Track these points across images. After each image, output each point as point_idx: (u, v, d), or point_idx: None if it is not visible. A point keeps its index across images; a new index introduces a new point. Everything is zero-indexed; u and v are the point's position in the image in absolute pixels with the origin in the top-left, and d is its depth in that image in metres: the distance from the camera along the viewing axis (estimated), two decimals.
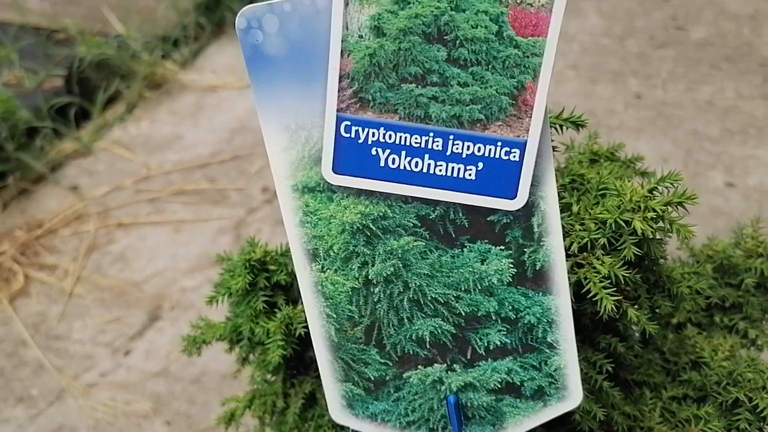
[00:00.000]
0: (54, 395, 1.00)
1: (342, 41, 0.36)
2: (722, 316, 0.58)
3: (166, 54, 1.74)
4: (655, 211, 0.39)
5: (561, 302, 0.39)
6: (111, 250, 1.23)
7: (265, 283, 0.50)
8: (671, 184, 0.41)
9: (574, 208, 0.43)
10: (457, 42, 0.35)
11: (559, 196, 0.44)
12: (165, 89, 1.68)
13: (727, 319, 0.58)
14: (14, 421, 0.97)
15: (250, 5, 0.35)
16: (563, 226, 0.42)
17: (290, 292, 0.51)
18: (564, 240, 0.42)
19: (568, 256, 0.41)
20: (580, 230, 0.41)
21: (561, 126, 0.44)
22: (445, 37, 0.35)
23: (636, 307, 0.43)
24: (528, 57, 0.35)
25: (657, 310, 0.47)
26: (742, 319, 0.58)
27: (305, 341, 0.50)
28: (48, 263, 1.20)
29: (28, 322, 1.10)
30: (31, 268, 1.19)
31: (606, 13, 2.04)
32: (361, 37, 0.36)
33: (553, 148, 0.45)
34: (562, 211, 0.43)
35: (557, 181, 0.45)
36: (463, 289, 0.40)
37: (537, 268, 0.39)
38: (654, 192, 0.41)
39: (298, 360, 0.53)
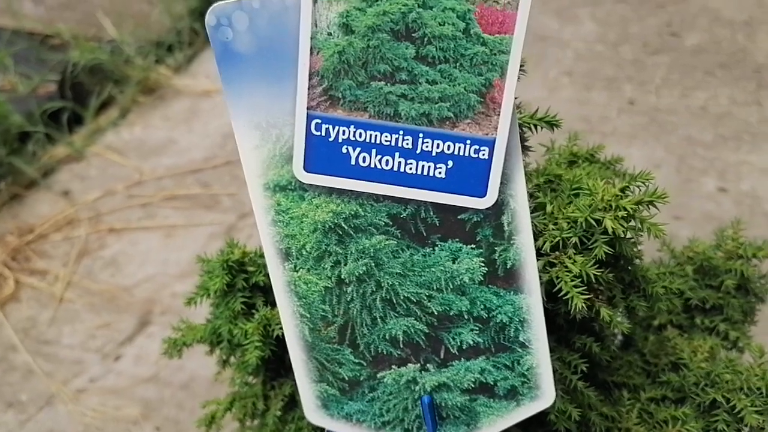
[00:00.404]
0: (43, 400, 1.00)
1: (311, 38, 0.36)
2: (703, 317, 0.58)
3: (160, 59, 1.74)
4: (626, 209, 0.39)
5: (532, 301, 0.39)
6: (102, 255, 1.23)
7: (243, 284, 0.50)
8: (643, 183, 0.41)
9: (548, 208, 0.43)
10: (425, 39, 0.35)
11: (533, 195, 0.44)
12: (159, 94, 1.68)
13: (708, 320, 0.58)
14: (4, 426, 0.97)
15: (220, 2, 0.36)
16: (536, 226, 0.42)
17: (269, 294, 0.51)
18: (537, 239, 0.42)
19: (540, 255, 0.41)
20: (552, 229, 0.41)
21: (535, 126, 0.44)
22: (413, 35, 0.35)
23: (610, 307, 0.43)
24: (495, 54, 0.35)
25: (634, 311, 0.47)
26: (723, 321, 0.57)
27: (285, 343, 0.49)
28: (39, 268, 1.20)
29: (18, 327, 1.10)
30: (21, 273, 1.19)
31: (600, 19, 2.05)
32: (330, 34, 0.36)
33: (528, 148, 0.45)
34: (535, 211, 0.43)
35: (532, 181, 0.45)
36: (435, 288, 0.40)
37: (508, 267, 0.39)
38: (626, 191, 0.41)
39: (278, 362, 0.53)
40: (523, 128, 0.44)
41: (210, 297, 0.50)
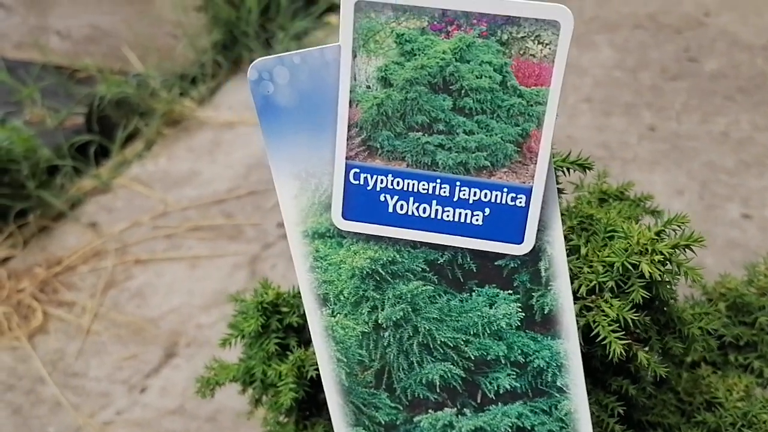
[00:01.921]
0: None
1: (350, 92, 0.37)
2: (737, 354, 0.57)
3: (184, 91, 1.77)
4: (662, 254, 0.40)
5: (570, 346, 0.39)
6: (128, 286, 1.25)
7: (277, 325, 0.50)
8: (678, 226, 0.41)
9: (583, 251, 0.43)
10: (463, 92, 0.36)
11: (567, 238, 0.45)
12: (183, 126, 1.71)
13: (742, 358, 0.57)
14: None
15: (261, 58, 0.37)
16: (571, 269, 0.42)
17: (302, 334, 0.52)
18: (572, 283, 0.42)
19: (576, 298, 0.42)
20: (588, 273, 0.42)
21: (568, 169, 0.44)
22: (450, 87, 0.36)
23: (646, 349, 0.43)
24: (532, 106, 0.36)
25: (669, 351, 0.47)
26: (757, 358, 0.57)
27: (318, 383, 0.50)
28: (66, 300, 1.22)
29: (46, 359, 1.11)
30: (49, 305, 1.21)
31: (618, 45, 2.06)
32: (369, 87, 0.37)
33: (561, 191, 0.45)
34: (570, 254, 0.44)
35: (565, 223, 0.45)
36: (472, 333, 0.40)
37: (545, 313, 0.39)
38: (661, 234, 0.41)
39: (311, 401, 0.53)
40: (556, 172, 0.44)
41: (244, 338, 0.51)
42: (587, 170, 0.45)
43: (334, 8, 2.22)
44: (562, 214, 0.49)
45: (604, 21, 2.22)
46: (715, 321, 0.47)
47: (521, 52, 0.35)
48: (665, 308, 0.45)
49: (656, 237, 0.41)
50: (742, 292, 0.57)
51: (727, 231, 1.34)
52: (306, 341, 0.53)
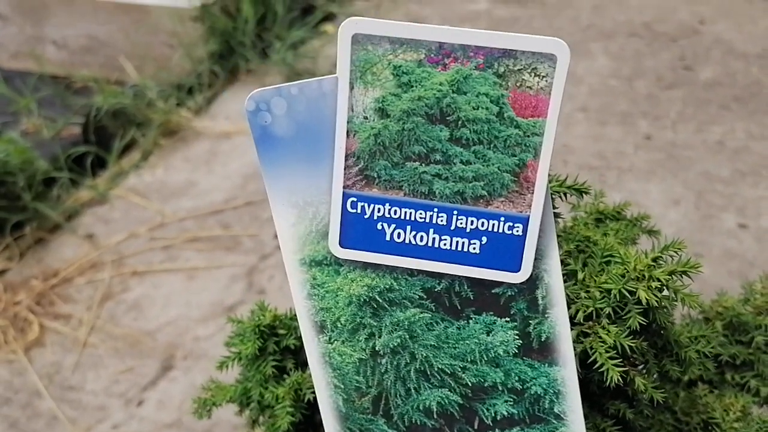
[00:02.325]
0: None
1: (348, 122, 0.37)
2: (733, 373, 0.58)
3: (180, 102, 1.77)
4: (659, 280, 0.40)
5: (567, 373, 0.39)
6: (125, 298, 1.25)
7: (274, 347, 0.50)
8: (675, 252, 0.41)
9: (579, 276, 0.43)
10: (459, 122, 0.36)
11: (564, 263, 0.45)
12: (180, 136, 1.71)
13: (739, 377, 0.57)
14: None
15: (259, 89, 0.37)
16: (568, 295, 0.43)
17: (299, 356, 0.52)
18: (570, 308, 0.43)
19: (573, 324, 0.42)
20: (585, 298, 0.42)
21: (564, 193, 0.45)
22: (447, 118, 0.36)
23: (644, 372, 0.43)
24: (528, 136, 0.36)
25: (667, 374, 0.47)
26: (754, 377, 0.57)
27: (315, 405, 0.50)
28: (63, 312, 1.22)
29: (43, 372, 1.11)
30: (46, 317, 1.21)
31: (614, 54, 2.06)
32: (366, 118, 0.37)
33: (558, 215, 0.45)
34: (567, 279, 0.44)
35: (562, 248, 0.45)
36: (469, 360, 0.40)
37: (542, 340, 0.39)
38: (658, 260, 0.41)
39: (308, 423, 0.53)
40: (552, 196, 0.44)
41: (241, 360, 0.51)
42: (584, 194, 0.45)
43: (330, 17, 2.23)
44: (558, 237, 0.49)
45: (600, 29, 2.23)
46: (712, 343, 0.47)
47: (518, 84, 0.35)
48: (662, 332, 0.45)
49: (653, 263, 0.41)
50: (739, 312, 0.57)
51: (723, 241, 1.35)
52: (303, 363, 0.53)
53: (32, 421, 1.04)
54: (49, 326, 1.19)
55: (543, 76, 0.34)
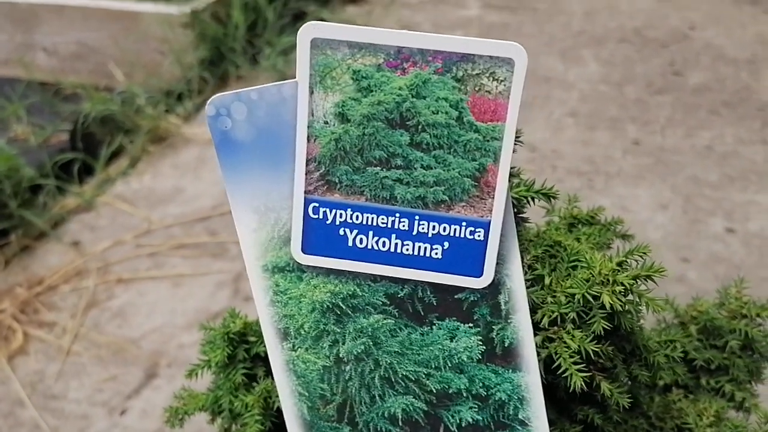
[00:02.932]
0: None
1: (308, 127, 0.37)
2: (708, 378, 0.57)
3: (169, 108, 1.77)
4: (623, 285, 0.40)
5: (531, 379, 0.39)
6: (110, 306, 1.24)
7: (244, 355, 0.50)
8: (641, 255, 0.41)
9: (546, 280, 0.43)
10: (419, 127, 0.36)
11: (532, 267, 0.45)
12: (168, 143, 1.70)
13: (714, 381, 0.57)
14: None
15: (218, 94, 0.37)
16: (535, 300, 0.42)
17: (269, 363, 0.51)
18: (535, 313, 0.42)
19: (539, 329, 0.41)
20: (551, 303, 0.41)
21: (532, 198, 0.44)
22: (407, 123, 0.36)
23: (610, 379, 0.42)
24: (488, 141, 0.36)
25: (636, 378, 0.47)
26: (729, 381, 0.57)
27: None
28: (47, 320, 1.21)
29: (26, 381, 1.10)
30: (30, 325, 1.20)
31: (604, 60, 2.07)
32: (326, 122, 0.37)
33: (525, 220, 0.45)
34: (534, 284, 0.44)
35: (530, 252, 0.45)
36: (433, 366, 0.40)
37: (506, 345, 0.39)
38: (623, 265, 0.41)
39: (278, 430, 0.52)
40: (521, 201, 0.44)
41: (211, 368, 0.51)
42: (552, 199, 0.45)
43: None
44: (530, 241, 0.49)
45: (591, 35, 2.23)
46: (681, 347, 0.47)
47: (477, 89, 0.35)
48: (630, 336, 0.45)
49: (618, 268, 0.41)
50: (713, 316, 0.57)
51: (710, 245, 1.35)
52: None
53: (14, 431, 1.03)
54: (33, 334, 1.18)
55: (501, 81, 0.34)
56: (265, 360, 0.51)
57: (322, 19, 2.03)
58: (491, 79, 0.34)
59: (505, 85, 0.34)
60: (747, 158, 1.61)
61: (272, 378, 0.50)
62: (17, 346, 1.16)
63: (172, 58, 1.84)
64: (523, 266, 0.40)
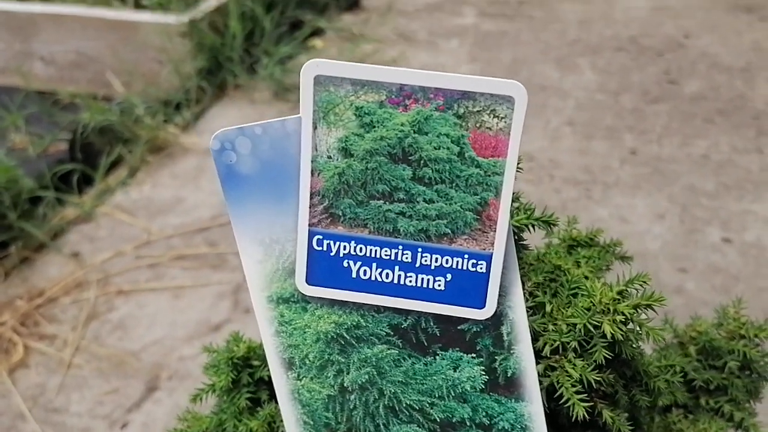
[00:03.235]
0: None
1: (312, 161, 0.37)
2: (708, 398, 0.58)
3: (168, 118, 1.78)
4: (624, 314, 0.40)
5: (534, 409, 0.40)
6: (110, 318, 1.24)
7: (248, 379, 0.51)
8: (641, 284, 0.42)
9: (548, 308, 0.43)
10: (422, 162, 0.37)
11: (533, 294, 0.45)
12: (167, 152, 1.71)
13: (713, 401, 0.58)
14: None
15: (223, 129, 0.37)
16: (536, 328, 0.43)
17: (273, 387, 0.52)
18: (537, 340, 0.43)
19: (541, 358, 0.42)
20: (552, 332, 0.42)
21: (532, 225, 0.45)
22: (409, 158, 0.37)
23: (612, 406, 0.43)
24: (489, 176, 0.36)
25: (637, 403, 0.47)
26: (728, 402, 0.57)
27: None
28: (47, 333, 1.21)
29: (27, 394, 1.11)
30: (30, 338, 1.20)
31: (600, 68, 2.08)
32: (330, 157, 0.37)
33: (525, 246, 0.46)
34: (535, 311, 0.44)
35: (531, 280, 0.46)
36: (437, 395, 0.40)
37: (508, 375, 0.39)
38: (624, 294, 0.41)
39: None
40: (520, 229, 0.45)
41: (216, 392, 0.51)
42: (552, 226, 0.46)
43: (318, 32, 2.24)
44: (530, 265, 0.49)
45: (587, 43, 2.24)
46: (681, 372, 0.47)
47: (477, 125, 0.35)
48: (631, 362, 0.45)
49: (618, 296, 0.41)
50: (712, 336, 0.58)
51: (708, 255, 1.35)
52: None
53: None
54: (34, 347, 1.19)
55: (502, 118, 0.35)
56: (268, 384, 0.52)
57: (319, 28, 2.03)
58: (492, 116, 0.35)
59: (505, 121, 0.35)
60: (742, 167, 1.62)
61: (276, 402, 0.51)
62: (18, 359, 1.16)
63: (171, 67, 1.85)
64: (524, 293, 0.40)
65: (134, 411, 1.08)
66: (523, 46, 2.23)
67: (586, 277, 0.45)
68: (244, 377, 0.51)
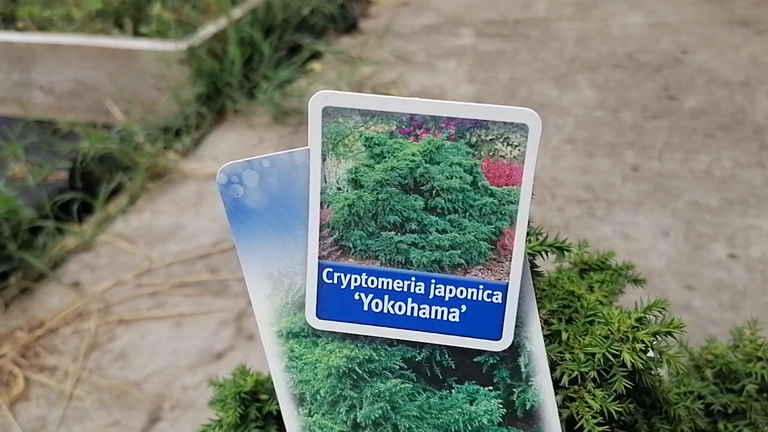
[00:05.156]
0: None
1: (321, 193, 0.36)
2: (726, 422, 0.57)
3: (168, 144, 1.77)
4: (643, 342, 0.39)
5: None
6: (111, 348, 1.23)
7: (256, 414, 0.49)
8: (660, 311, 0.41)
9: (564, 336, 0.42)
10: (434, 192, 0.36)
11: (548, 322, 0.44)
12: (167, 179, 1.70)
13: (732, 425, 0.56)
14: None
15: (230, 162, 0.36)
16: (552, 357, 0.42)
17: (282, 422, 0.50)
18: (554, 370, 0.42)
19: (559, 388, 0.41)
20: (570, 361, 0.41)
21: (546, 252, 0.44)
22: (421, 188, 0.36)
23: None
24: (504, 204, 0.35)
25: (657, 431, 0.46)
26: (747, 426, 0.56)
27: None
28: (48, 364, 1.20)
29: (28, 427, 1.09)
30: (31, 370, 1.18)
31: (599, 85, 2.08)
32: (339, 188, 0.36)
33: (539, 273, 0.45)
34: (552, 340, 0.43)
35: (545, 307, 0.45)
36: (453, 430, 0.39)
37: (527, 408, 0.38)
38: (642, 320, 0.40)
39: None
40: (533, 256, 0.44)
41: (222, 428, 0.50)
42: (565, 252, 0.45)
43: (317, 56, 2.24)
44: (543, 291, 0.48)
45: (585, 61, 2.25)
46: (701, 398, 0.46)
47: (491, 154, 0.34)
48: (651, 391, 0.44)
49: (637, 324, 0.40)
50: (729, 360, 0.56)
51: (714, 272, 1.34)
52: (284, 429, 0.51)
53: None
54: (35, 379, 1.17)
55: (515, 146, 0.34)
56: (277, 418, 0.50)
57: (317, 52, 2.04)
58: (505, 144, 0.34)
59: (519, 150, 0.34)
60: (745, 182, 1.61)
61: None
62: (19, 391, 1.14)
63: (170, 94, 1.85)
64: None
65: None
66: (520, 65, 2.24)
67: (601, 303, 0.44)
68: (252, 412, 0.49)
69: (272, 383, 0.50)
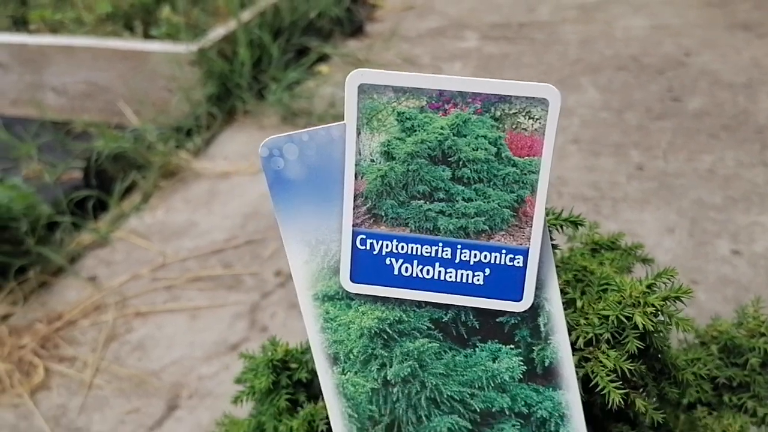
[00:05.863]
0: None
1: (356, 165, 0.39)
2: (731, 395, 0.59)
3: (179, 144, 1.81)
4: (654, 305, 0.42)
5: (571, 397, 0.41)
6: (129, 339, 1.26)
7: (287, 381, 0.52)
8: (668, 278, 0.44)
9: (579, 304, 0.45)
10: (461, 163, 0.39)
11: (563, 291, 0.47)
12: (179, 178, 1.73)
13: (736, 398, 0.59)
14: None
15: (272, 137, 0.39)
16: (569, 322, 0.45)
17: (311, 389, 0.53)
18: (570, 335, 0.45)
19: (575, 350, 0.44)
20: (584, 325, 0.44)
21: (561, 226, 0.47)
22: (449, 159, 0.39)
23: (644, 394, 0.45)
24: (525, 174, 0.38)
25: (665, 396, 0.49)
26: (751, 398, 0.59)
27: None
28: (68, 355, 1.23)
29: (49, 415, 1.12)
30: (51, 360, 1.21)
31: (603, 87, 2.11)
32: (372, 161, 0.39)
33: (556, 246, 0.48)
34: (567, 307, 0.46)
35: (561, 277, 0.48)
36: (477, 386, 0.42)
37: (546, 365, 0.41)
38: (652, 287, 0.43)
39: None
40: (550, 229, 0.47)
41: (255, 395, 0.53)
42: (579, 226, 0.48)
43: (324, 58, 2.28)
44: (557, 267, 0.51)
45: (588, 63, 2.28)
46: (707, 365, 0.49)
47: (514, 127, 0.37)
48: (660, 355, 0.47)
49: (647, 290, 0.43)
50: (733, 335, 0.59)
51: (718, 267, 1.37)
52: (314, 396, 0.54)
53: None
54: (55, 369, 1.20)
55: (536, 119, 0.37)
56: (306, 386, 0.53)
57: (325, 54, 2.08)
58: (527, 117, 0.37)
59: (540, 123, 0.37)
60: (748, 180, 1.64)
61: (315, 403, 0.52)
62: (39, 381, 1.17)
63: (181, 95, 1.88)
64: None
65: (156, 429, 1.09)
66: (525, 68, 2.27)
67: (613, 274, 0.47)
68: (283, 379, 0.52)
69: (301, 353, 0.53)
